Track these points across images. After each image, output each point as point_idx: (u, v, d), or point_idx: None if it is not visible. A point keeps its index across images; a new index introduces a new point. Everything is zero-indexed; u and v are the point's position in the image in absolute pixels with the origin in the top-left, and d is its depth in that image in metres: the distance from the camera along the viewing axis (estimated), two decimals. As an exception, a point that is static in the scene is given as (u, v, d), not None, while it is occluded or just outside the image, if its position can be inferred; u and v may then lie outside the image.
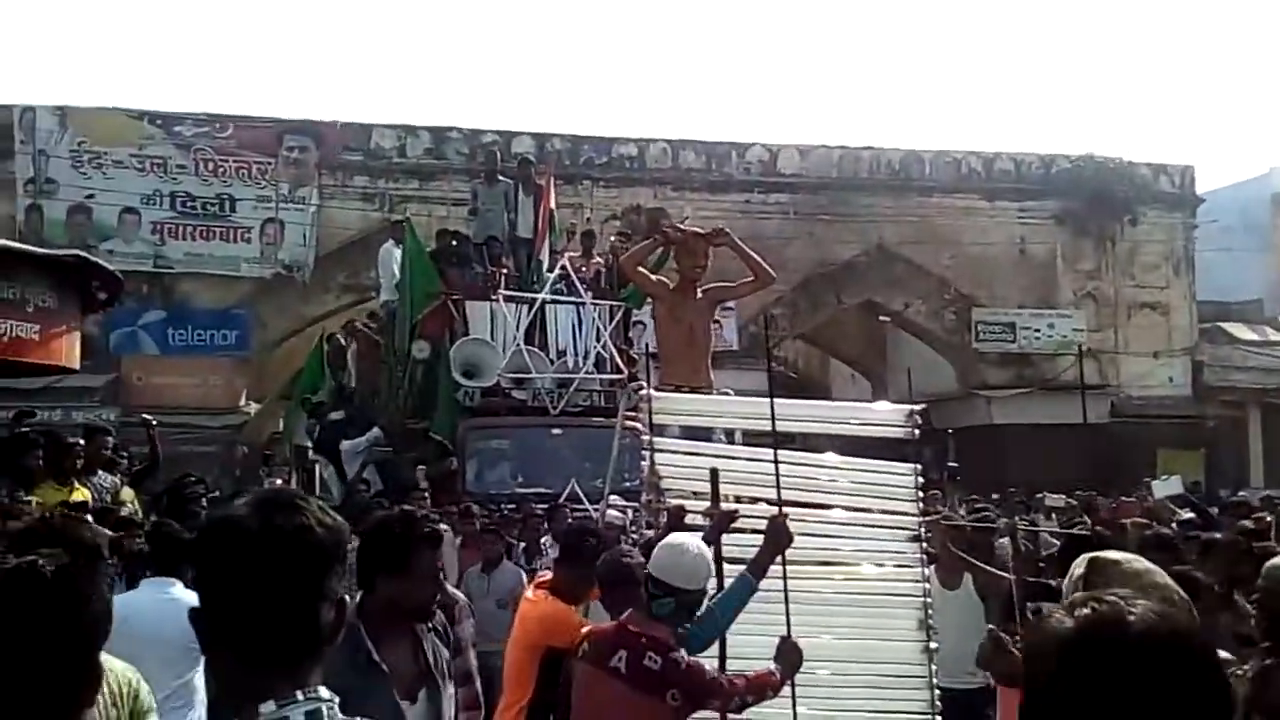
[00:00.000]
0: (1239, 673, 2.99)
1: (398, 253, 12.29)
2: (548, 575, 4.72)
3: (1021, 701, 1.39)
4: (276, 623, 1.46)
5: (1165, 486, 12.34)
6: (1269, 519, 9.22)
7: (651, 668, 3.33)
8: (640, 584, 3.62)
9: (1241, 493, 15.00)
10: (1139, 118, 59.50)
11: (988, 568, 5.92)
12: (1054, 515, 11.83)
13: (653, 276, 6.66)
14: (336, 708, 1.48)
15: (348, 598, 1.57)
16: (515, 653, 4.35)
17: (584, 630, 3.71)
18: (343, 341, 13.00)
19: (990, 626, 2.96)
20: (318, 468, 12.06)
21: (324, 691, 1.48)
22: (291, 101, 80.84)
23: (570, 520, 5.67)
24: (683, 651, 3.46)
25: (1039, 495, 12.46)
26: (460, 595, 4.88)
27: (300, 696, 1.45)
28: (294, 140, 21.30)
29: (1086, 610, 1.37)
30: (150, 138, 20.73)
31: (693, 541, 3.72)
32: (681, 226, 6.72)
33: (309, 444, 12.48)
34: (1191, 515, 8.77)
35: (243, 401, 20.61)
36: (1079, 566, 2.37)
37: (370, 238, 18.22)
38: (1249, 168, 47.64)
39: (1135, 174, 24.71)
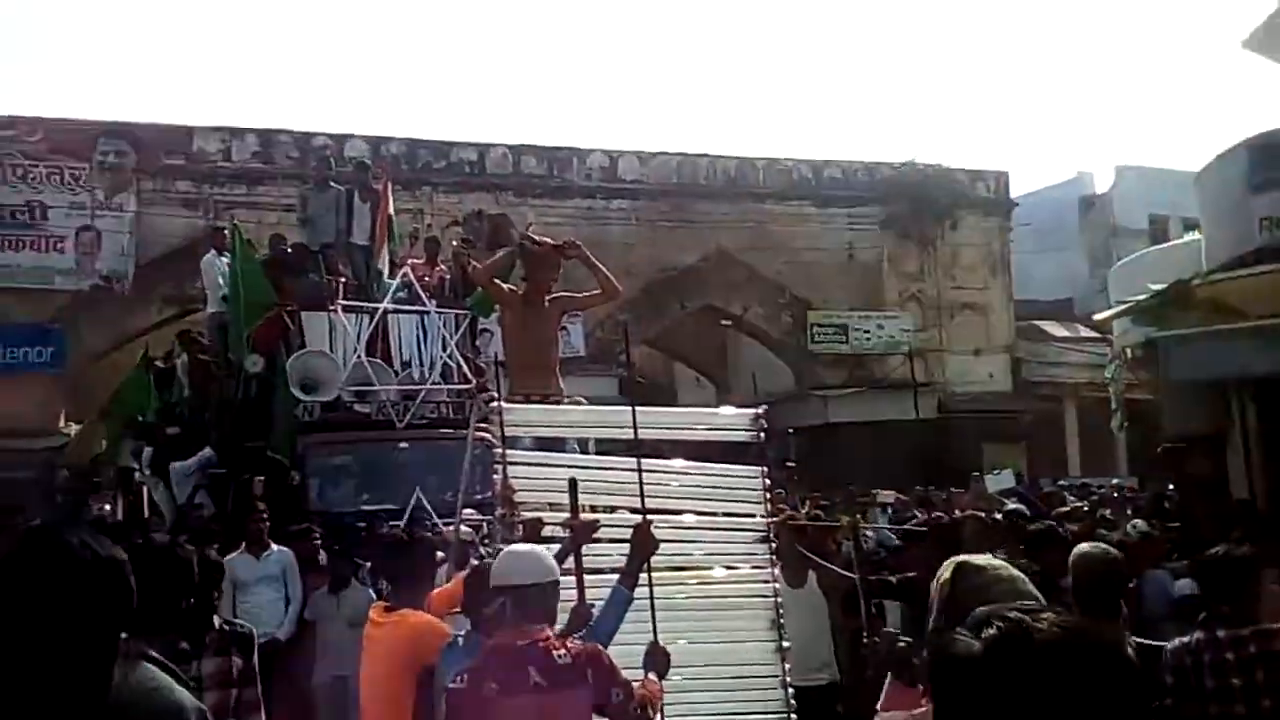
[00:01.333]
0: None
1: (221, 262, 11.76)
2: (384, 603, 4.63)
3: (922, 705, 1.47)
4: (52, 667, 1.38)
5: (998, 481, 13.02)
6: (1084, 506, 9.86)
7: (565, 661, 3.26)
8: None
9: (1060, 481, 15.94)
10: (956, 125, 62.60)
11: (831, 566, 6.10)
12: (887, 510, 12.31)
13: (504, 286, 6.60)
14: None
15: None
16: (386, 681, 4.16)
17: (461, 678, 3.30)
18: (172, 357, 12.38)
19: (889, 630, 3.04)
20: (146, 490, 11.46)
21: None
22: (106, 104, 76.81)
23: (406, 536, 5.52)
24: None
25: (873, 492, 12.94)
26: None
27: None
28: (109, 144, 20.22)
29: (992, 630, 1.43)
30: (-49, 141, 19.35)
31: (520, 545, 3.72)
32: (538, 238, 6.67)
33: (135, 466, 11.84)
34: (1019, 505, 9.26)
35: (61, 422, 19.40)
36: (945, 571, 2.42)
37: (195, 246, 17.44)
38: (1057, 172, 50.72)
39: (953, 180, 25.98)
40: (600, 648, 3.45)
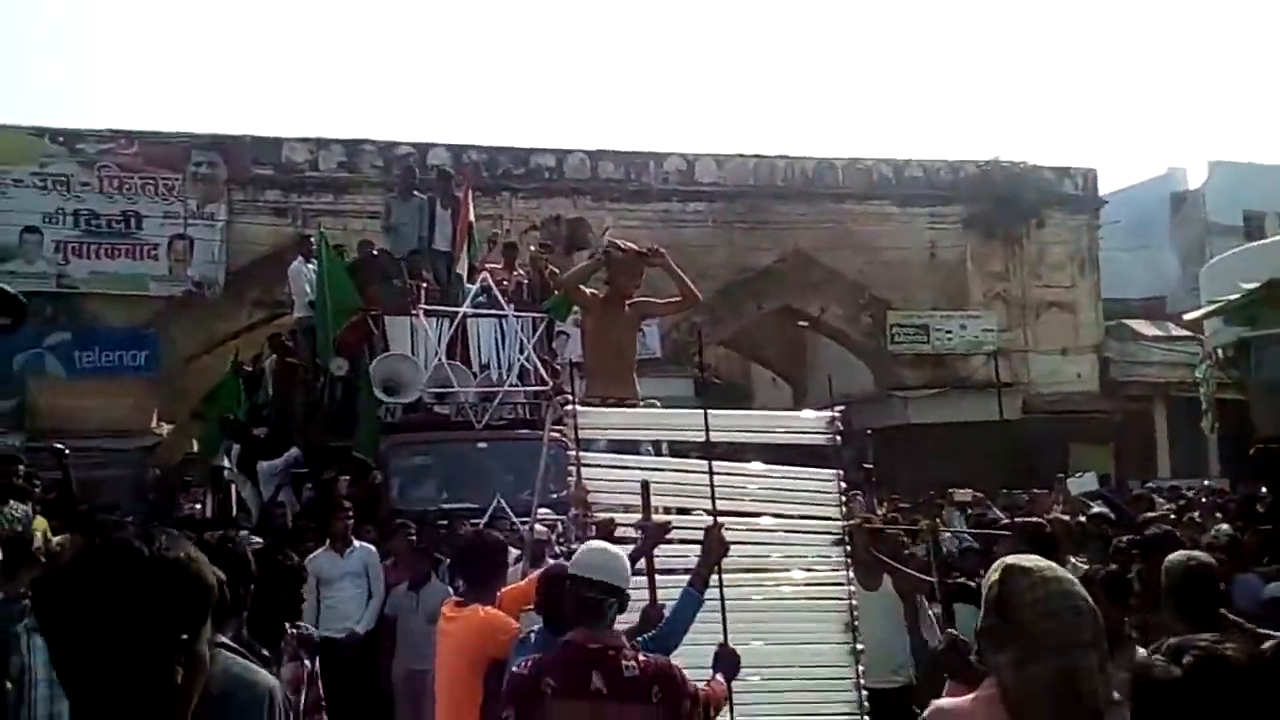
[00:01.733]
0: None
1: (308, 269, 12.08)
2: (455, 599, 4.73)
3: None
4: (112, 675, 1.40)
5: (1080, 484, 12.76)
6: (1171, 510, 9.59)
7: (632, 674, 3.23)
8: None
9: (1148, 484, 15.53)
10: (1042, 123, 61.35)
11: (906, 569, 6.04)
12: (965, 510, 12.10)
13: (587, 290, 6.67)
14: None
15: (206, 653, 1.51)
16: (454, 670, 4.27)
17: (528, 664, 3.37)
18: (260, 360, 12.75)
19: (951, 630, 3.06)
20: (234, 488, 11.81)
21: None
22: (199, 117, 79.18)
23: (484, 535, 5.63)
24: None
25: (950, 491, 12.75)
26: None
27: None
28: (202, 156, 20.87)
29: (1189, 658, 1.79)
30: (52, 155, 20.15)
31: (606, 543, 3.73)
32: (623, 244, 6.73)
33: (226, 465, 12.21)
34: (1103, 509, 9.06)
35: (154, 423, 20.09)
36: (994, 573, 2.42)
37: (283, 253, 17.91)
38: (1148, 169, 49.40)
39: (1040, 178, 25.44)
40: (671, 662, 3.42)
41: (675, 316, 18.30)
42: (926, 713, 2.49)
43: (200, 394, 19.69)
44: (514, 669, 3.37)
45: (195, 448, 14.64)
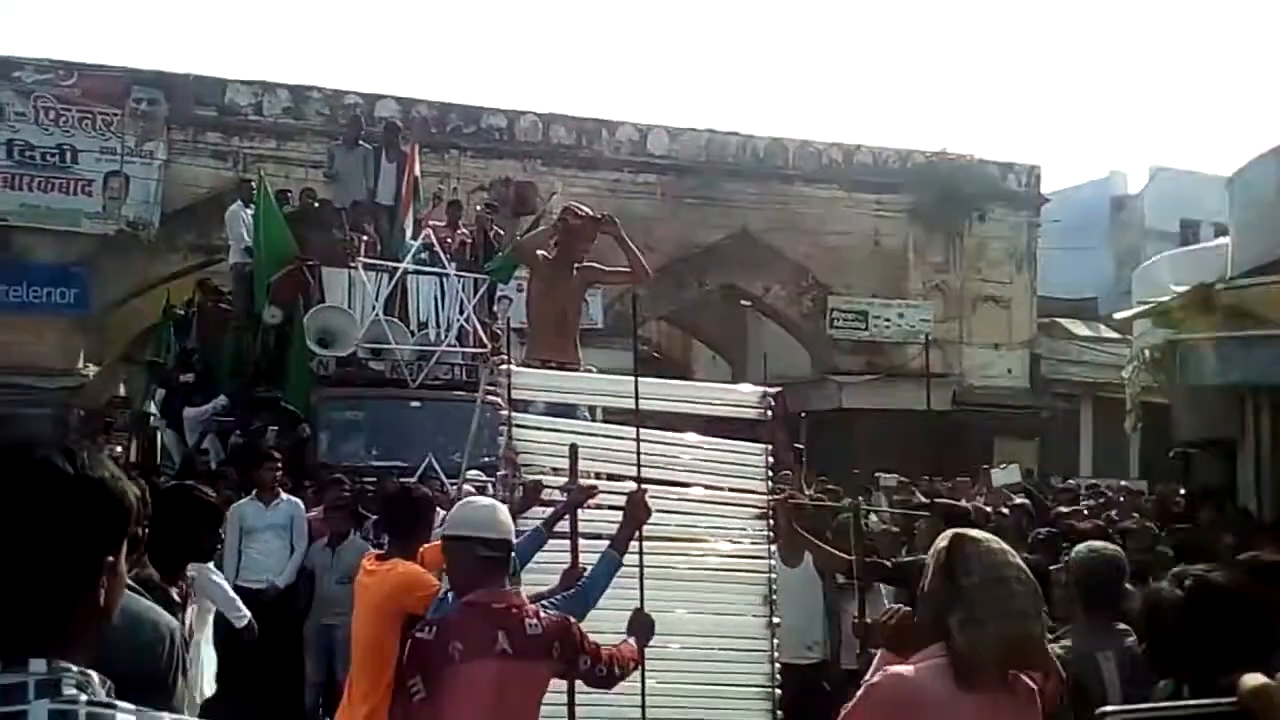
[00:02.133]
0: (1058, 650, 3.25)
1: (246, 213, 11.86)
2: (376, 552, 4.70)
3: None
4: (23, 582, 1.38)
5: (1004, 475, 13.02)
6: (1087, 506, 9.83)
7: (535, 632, 3.24)
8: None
9: (1069, 480, 15.90)
10: (991, 118, 62.03)
11: (827, 547, 6.12)
12: (889, 495, 12.32)
13: (538, 252, 6.61)
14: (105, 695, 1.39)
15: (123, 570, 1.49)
16: (371, 627, 4.21)
17: (430, 628, 3.32)
18: (192, 305, 12.50)
19: (900, 606, 3.17)
20: (159, 434, 11.60)
21: (95, 676, 1.40)
22: (141, 52, 76.95)
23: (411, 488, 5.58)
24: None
25: (876, 475, 12.93)
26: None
27: (73, 668, 1.38)
28: (142, 92, 20.22)
29: (1189, 582, 2.74)
30: (-13, 83, 19.46)
31: (478, 498, 3.73)
32: (580, 209, 6.67)
33: (152, 409, 11.98)
34: (1024, 501, 9.26)
35: (80, 364, 19.60)
36: (943, 540, 2.55)
37: (222, 197, 17.49)
38: (1090, 171, 50.24)
39: (984, 172, 25.68)
40: (571, 620, 3.43)
41: (620, 288, 18.32)
42: (876, 676, 2.58)
43: (128, 336, 19.30)
44: (416, 634, 3.32)
45: (121, 390, 14.33)
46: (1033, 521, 7.75)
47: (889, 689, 2.50)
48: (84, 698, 1.36)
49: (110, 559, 1.44)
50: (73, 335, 19.52)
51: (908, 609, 3.19)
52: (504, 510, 3.55)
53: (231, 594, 5.93)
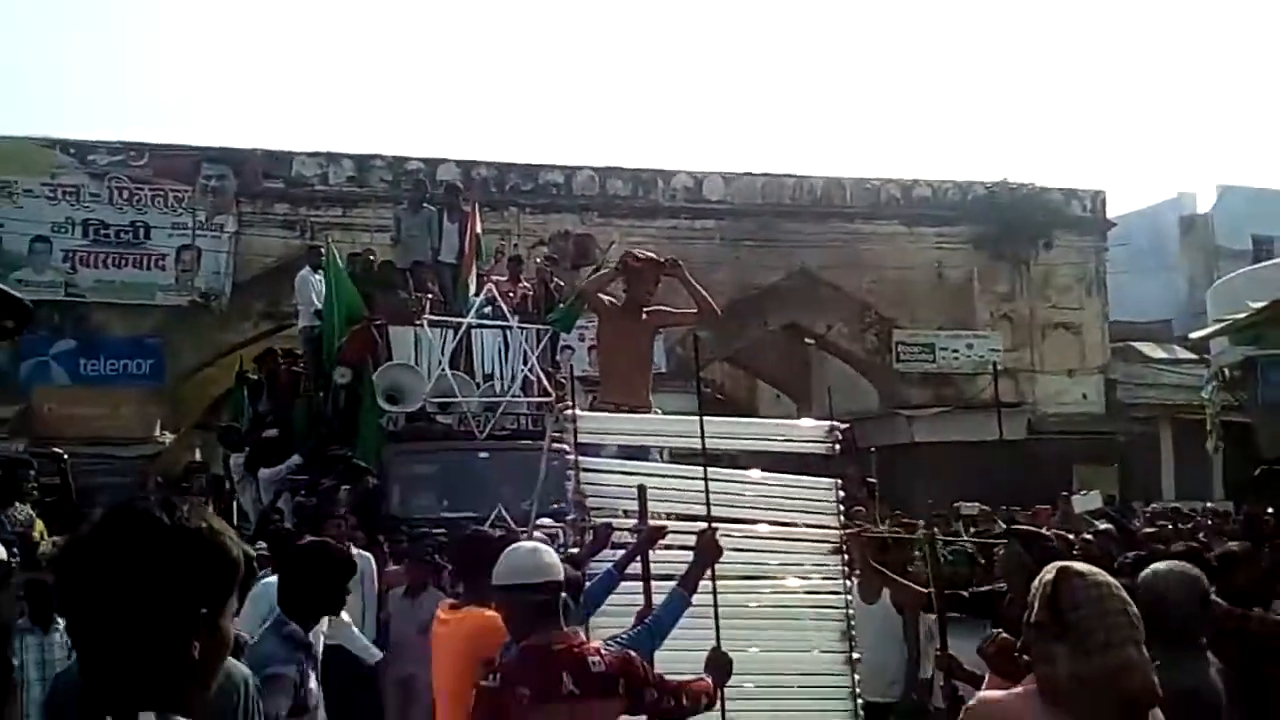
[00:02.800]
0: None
1: (315, 278, 12.11)
2: (450, 601, 4.71)
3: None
4: (128, 648, 1.38)
5: (1084, 501, 12.74)
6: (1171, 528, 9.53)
7: (599, 670, 3.22)
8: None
9: (1151, 505, 15.48)
10: (1051, 144, 61.40)
11: (904, 581, 6.00)
12: (970, 524, 12.06)
13: (604, 297, 6.66)
14: None
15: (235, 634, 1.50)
16: (451, 676, 4.16)
17: (495, 676, 3.32)
18: (262, 369, 12.76)
19: (999, 632, 3.18)
20: (236, 498, 11.81)
21: None
22: (210, 130, 79.53)
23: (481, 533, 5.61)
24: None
25: (955, 505, 12.69)
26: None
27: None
28: (212, 169, 20.95)
29: None
30: (63, 167, 20.25)
31: (523, 543, 3.73)
32: (640, 253, 6.74)
33: (229, 472, 12.21)
34: (1108, 526, 9.02)
35: (157, 431, 20.11)
36: (1049, 573, 2.54)
37: (291, 265, 17.96)
38: (1157, 192, 49.42)
39: (1048, 199, 25.41)
40: (633, 654, 3.41)
41: (681, 330, 18.35)
42: (972, 702, 2.58)
43: (203, 404, 19.75)
44: (482, 683, 3.32)
45: (198, 456, 14.67)
46: (1118, 546, 7.53)
47: (982, 713, 2.48)
48: None
49: (206, 611, 1.43)
50: (149, 404, 20.07)
51: (1008, 636, 3.19)
52: (549, 553, 3.53)
53: (362, 637, 6.15)
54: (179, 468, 17.31)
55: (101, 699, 1.38)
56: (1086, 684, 2.35)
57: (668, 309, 6.76)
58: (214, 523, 1.48)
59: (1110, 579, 2.53)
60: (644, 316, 6.46)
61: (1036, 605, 2.50)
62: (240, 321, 20.63)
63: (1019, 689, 2.48)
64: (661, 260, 6.66)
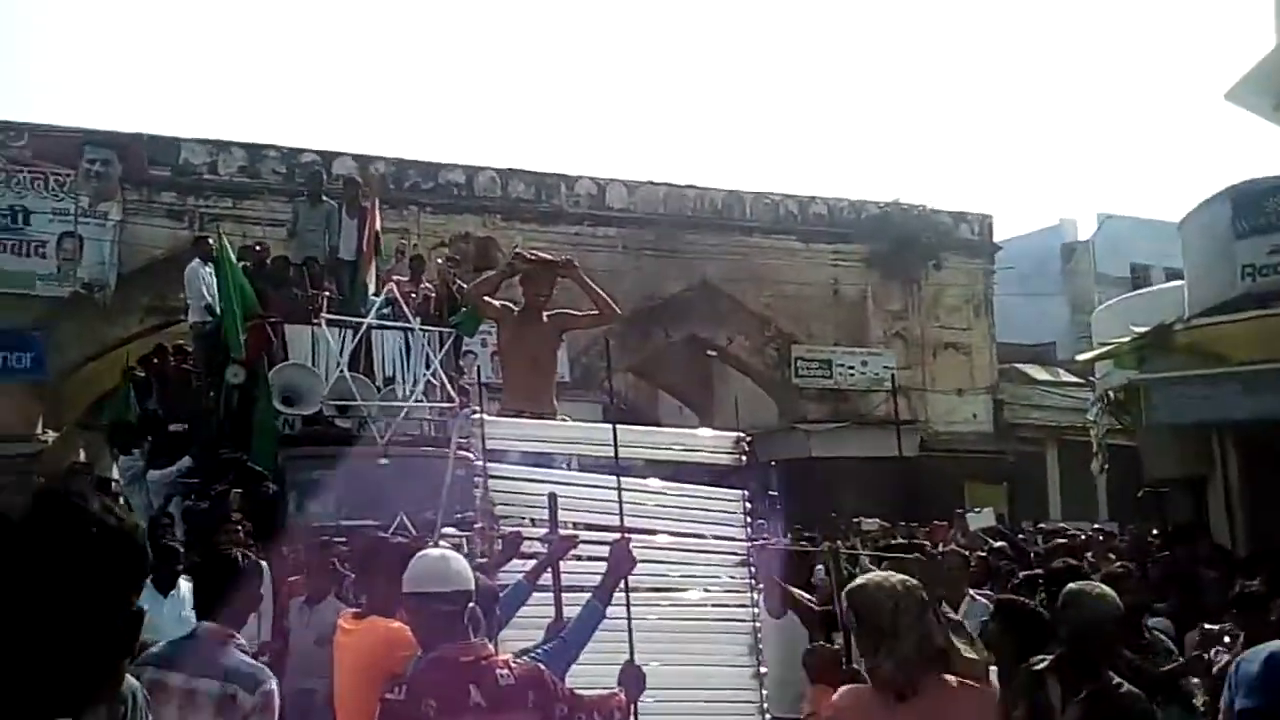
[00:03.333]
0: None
1: (205, 271, 11.70)
2: (353, 610, 4.56)
3: None
4: (54, 635, 1.30)
5: (979, 519, 13.09)
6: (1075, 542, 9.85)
7: (508, 683, 3.13)
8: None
9: (1040, 525, 15.98)
10: (941, 167, 63.18)
11: (802, 594, 6.03)
12: (870, 540, 12.24)
13: (496, 302, 6.54)
14: None
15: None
16: (353, 688, 4.02)
17: (400, 689, 3.21)
18: (151, 365, 12.28)
19: (820, 644, 3.42)
20: (122, 499, 11.33)
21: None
22: (93, 112, 76.60)
23: (385, 541, 5.45)
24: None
25: (856, 520, 12.88)
26: None
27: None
28: (96, 153, 20.07)
29: None
30: (-66, 145, 19.24)
31: (431, 550, 3.64)
32: (531, 253, 6.62)
33: (114, 474, 11.71)
34: (1002, 544, 9.26)
35: (39, 429, 19.17)
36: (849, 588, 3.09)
37: (179, 257, 17.32)
38: (1041, 218, 51.15)
39: (938, 221, 26.14)
40: (543, 668, 3.34)
41: (584, 339, 18.29)
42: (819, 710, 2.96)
43: (86, 400, 18.90)
44: (387, 696, 3.21)
45: (83, 456, 14.02)
46: (1011, 564, 7.73)
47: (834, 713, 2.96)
48: None
49: (134, 604, 1.39)
50: (30, 401, 19.13)
51: (826, 646, 3.89)
52: (460, 560, 3.43)
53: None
54: (62, 467, 16.50)
55: (11, 706, 1.29)
56: (884, 672, 2.94)
57: (569, 311, 6.68)
58: (131, 518, 1.42)
59: (890, 580, 3.08)
60: (544, 319, 6.37)
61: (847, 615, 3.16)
62: (125, 315, 19.80)
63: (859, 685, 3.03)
64: (555, 260, 6.57)
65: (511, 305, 6.50)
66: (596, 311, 6.49)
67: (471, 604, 3.31)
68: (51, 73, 59.60)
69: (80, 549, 1.32)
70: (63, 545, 1.31)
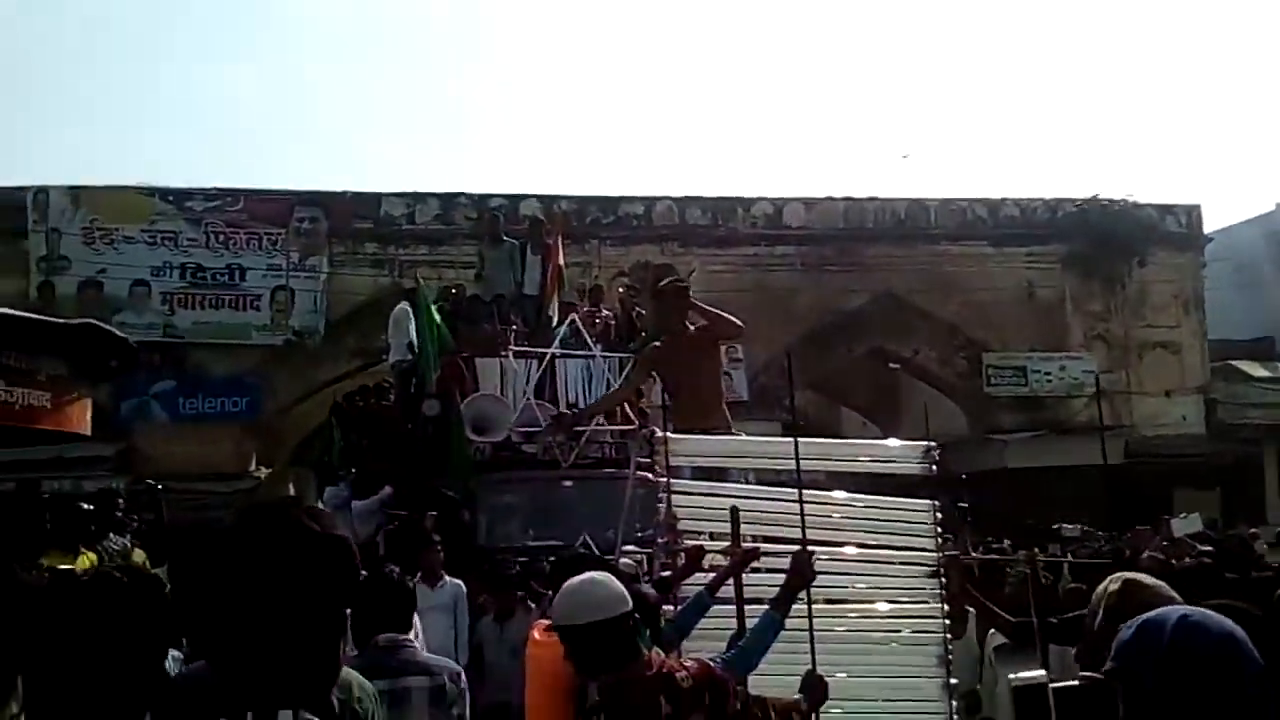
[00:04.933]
0: None
1: (408, 313, 12.32)
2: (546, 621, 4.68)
3: None
4: (281, 638, 1.41)
5: (1185, 524, 12.28)
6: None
7: (688, 685, 3.18)
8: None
9: (1254, 530, 14.87)
10: (1143, 159, 59.87)
11: (993, 607, 5.79)
12: (1071, 547, 11.70)
13: (646, 371, 6.66)
14: None
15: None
16: (545, 697, 4.17)
17: (600, 715, 3.25)
18: (356, 404, 12.98)
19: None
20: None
21: None
22: (301, 174, 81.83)
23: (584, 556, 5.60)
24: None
25: (1055, 527, 12.31)
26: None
27: (312, 717, 1.40)
28: (304, 211, 21.60)
29: None
30: (161, 213, 21.03)
31: (575, 579, 3.53)
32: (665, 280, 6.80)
33: (322, 505, 12.41)
34: (1208, 548, 8.68)
35: (253, 466, 20.60)
36: (1113, 584, 2.53)
37: (380, 303, 18.31)
38: (1254, 205, 47.82)
39: (1141, 215, 24.77)
40: (712, 665, 3.37)
41: (762, 359, 18.20)
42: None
43: (298, 439, 20.16)
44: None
45: (292, 491, 14.99)
46: (1229, 569, 7.21)
47: None
48: None
49: (348, 610, 1.51)
50: (245, 441, 20.61)
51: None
52: (609, 579, 3.39)
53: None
54: (273, 501, 17.64)
55: (242, 697, 1.40)
56: None
57: (708, 316, 6.75)
58: (336, 528, 1.54)
59: (1174, 593, 2.49)
60: (693, 332, 6.45)
61: (1100, 617, 2.47)
62: (333, 359, 21.11)
63: None
64: (665, 284, 6.70)
65: (656, 345, 6.64)
66: (735, 325, 6.53)
67: (636, 616, 3.36)
68: (260, 139, 64.16)
69: (285, 552, 1.43)
70: (269, 549, 1.42)
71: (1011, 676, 2.45)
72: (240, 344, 20.99)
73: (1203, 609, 2.05)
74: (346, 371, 20.38)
